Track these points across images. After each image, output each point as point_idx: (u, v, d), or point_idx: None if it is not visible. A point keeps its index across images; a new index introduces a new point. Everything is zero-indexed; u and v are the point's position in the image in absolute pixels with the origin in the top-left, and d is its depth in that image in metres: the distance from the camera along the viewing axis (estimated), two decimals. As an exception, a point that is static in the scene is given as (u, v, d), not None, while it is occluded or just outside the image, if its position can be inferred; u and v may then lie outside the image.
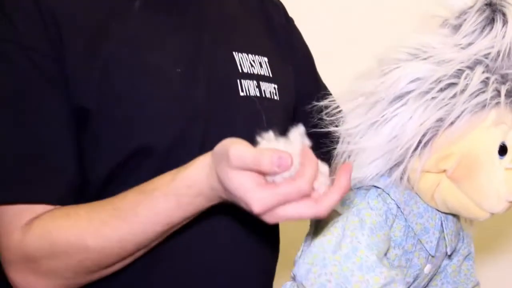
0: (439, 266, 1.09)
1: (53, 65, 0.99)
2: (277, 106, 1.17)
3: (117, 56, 1.02)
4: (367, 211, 0.99)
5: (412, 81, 0.96)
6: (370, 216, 0.99)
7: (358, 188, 1.01)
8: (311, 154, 0.85)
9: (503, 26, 0.95)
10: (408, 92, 0.96)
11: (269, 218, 0.85)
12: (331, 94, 1.32)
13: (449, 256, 1.07)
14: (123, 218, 0.93)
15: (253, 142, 1.04)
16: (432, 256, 1.03)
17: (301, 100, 1.24)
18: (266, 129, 1.12)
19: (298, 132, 0.87)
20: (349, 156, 1.00)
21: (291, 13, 1.34)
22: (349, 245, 0.97)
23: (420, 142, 0.95)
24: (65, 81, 0.99)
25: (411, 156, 0.96)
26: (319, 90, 1.28)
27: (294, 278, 1.01)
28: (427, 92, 0.94)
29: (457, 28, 0.98)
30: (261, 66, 1.16)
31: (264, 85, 1.15)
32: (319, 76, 1.36)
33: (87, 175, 1.01)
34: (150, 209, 0.92)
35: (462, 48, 0.96)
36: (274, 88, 1.17)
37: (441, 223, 1.03)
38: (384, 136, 0.97)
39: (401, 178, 0.99)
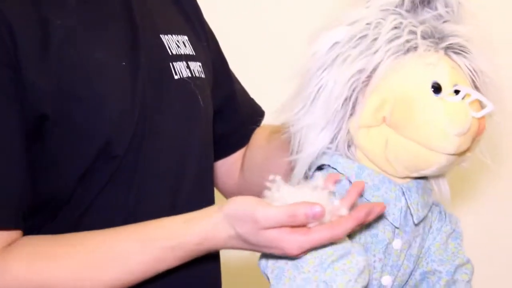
0: (423, 247, 1.04)
1: (9, 75, 0.96)
2: (205, 83, 1.18)
3: (65, 56, 0.99)
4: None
5: (331, 48, 0.97)
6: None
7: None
8: (360, 211, 0.89)
9: None
10: (333, 60, 0.97)
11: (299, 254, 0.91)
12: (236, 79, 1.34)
13: (416, 225, 1.01)
14: (122, 266, 0.96)
15: (191, 125, 1.11)
16: (397, 228, 0.99)
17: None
18: (203, 109, 1.14)
19: (321, 178, 0.93)
20: (299, 140, 1.00)
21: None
22: None
23: (350, 98, 0.95)
24: (22, 90, 0.96)
25: (349, 116, 0.96)
26: (226, 67, 1.32)
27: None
28: (344, 53, 0.96)
29: None
30: (185, 45, 1.17)
31: (192, 64, 1.16)
32: (223, 55, 1.34)
33: (53, 184, 1.00)
34: (155, 259, 0.96)
35: (370, 4, 0.98)
36: (199, 66, 1.18)
37: (403, 194, 0.99)
38: (320, 106, 0.97)
39: (349, 146, 0.98)
